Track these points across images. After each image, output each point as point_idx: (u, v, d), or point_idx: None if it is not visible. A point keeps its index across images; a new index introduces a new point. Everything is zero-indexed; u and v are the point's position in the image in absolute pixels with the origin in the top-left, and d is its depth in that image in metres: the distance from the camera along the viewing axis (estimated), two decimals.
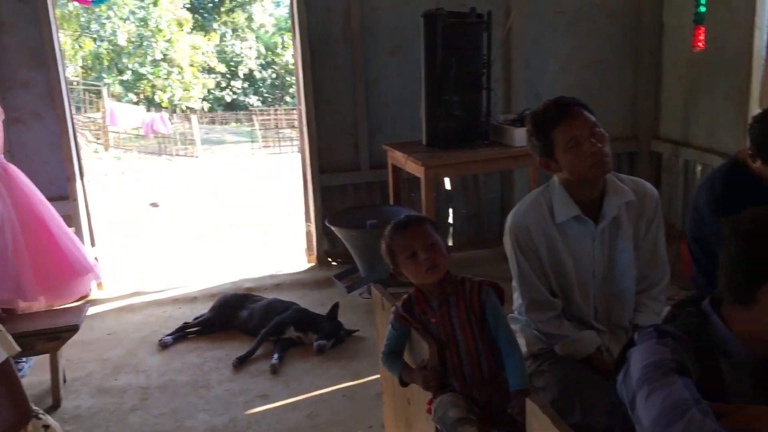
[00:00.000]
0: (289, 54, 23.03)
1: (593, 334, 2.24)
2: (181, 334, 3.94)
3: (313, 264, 4.98)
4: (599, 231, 2.22)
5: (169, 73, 22.39)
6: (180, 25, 22.49)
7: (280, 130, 19.97)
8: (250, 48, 25.37)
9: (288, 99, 24.95)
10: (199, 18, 24.42)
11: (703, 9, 3.96)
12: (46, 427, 2.13)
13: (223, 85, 25.13)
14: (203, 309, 4.20)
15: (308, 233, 5.01)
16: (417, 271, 1.98)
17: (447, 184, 5.06)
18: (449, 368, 2.01)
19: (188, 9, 23.55)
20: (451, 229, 5.13)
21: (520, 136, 4.00)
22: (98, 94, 19.59)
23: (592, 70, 5.11)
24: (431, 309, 2.03)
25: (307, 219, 4.99)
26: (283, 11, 24.85)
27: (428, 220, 2.10)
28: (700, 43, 3.99)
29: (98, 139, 17.79)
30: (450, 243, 5.03)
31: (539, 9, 4.89)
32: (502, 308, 2.05)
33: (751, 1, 4.12)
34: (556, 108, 2.16)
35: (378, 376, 2.64)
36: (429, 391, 1.99)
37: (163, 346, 3.83)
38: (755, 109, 4.03)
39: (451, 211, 5.12)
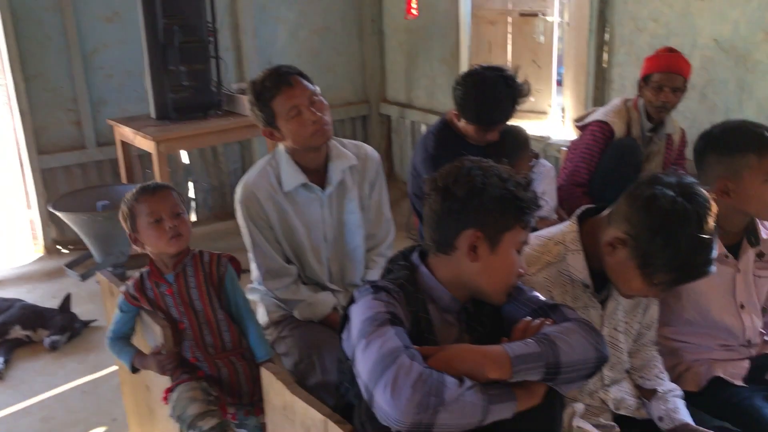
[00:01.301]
0: None
1: (329, 294, 2.33)
2: None
3: (41, 254, 4.55)
4: (326, 196, 2.29)
5: None
6: None
7: None
8: None
9: None
10: None
11: None
12: None
13: None
14: None
15: (31, 221, 4.55)
16: (159, 239, 1.91)
17: (184, 157, 4.89)
18: (190, 339, 1.97)
19: None
20: (193, 204, 4.99)
21: None
22: None
23: (321, 36, 5.22)
24: (166, 281, 1.97)
25: (28, 205, 4.52)
26: None
27: (174, 189, 2.03)
28: (413, 11, 4.25)
29: None
30: (193, 218, 4.89)
31: None
32: (238, 281, 2.06)
33: None
34: (275, 77, 2.16)
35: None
36: (165, 375, 1.94)
37: None
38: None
39: (191, 185, 4.97)
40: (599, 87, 3.88)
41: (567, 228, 1.73)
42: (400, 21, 5.00)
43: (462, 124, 2.68)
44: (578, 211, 1.77)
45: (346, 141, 2.42)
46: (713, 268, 1.57)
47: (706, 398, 1.96)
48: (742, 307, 2.00)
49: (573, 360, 1.40)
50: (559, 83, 4.43)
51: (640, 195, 1.58)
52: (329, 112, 2.22)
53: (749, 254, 2.00)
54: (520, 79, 2.60)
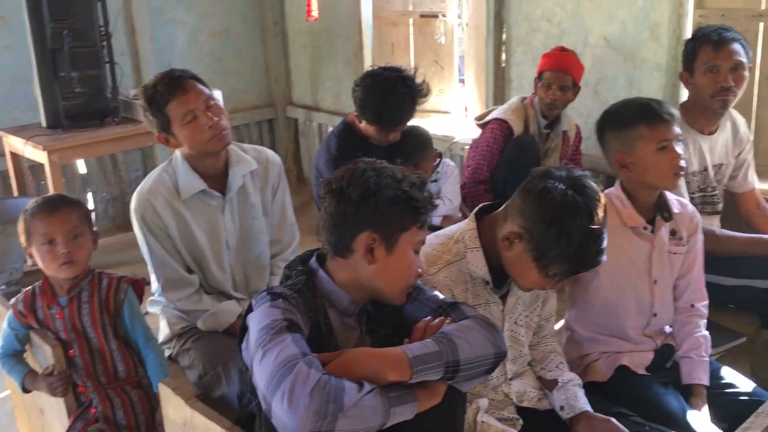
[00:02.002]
0: None
1: (233, 303, 2.27)
2: None
3: None
4: (227, 202, 2.24)
5: None
6: None
7: None
8: None
9: None
10: None
11: None
12: None
13: None
14: None
15: None
16: (51, 262, 1.82)
17: (82, 167, 4.68)
18: (80, 368, 1.88)
19: None
20: (93, 215, 4.78)
21: None
22: None
23: (222, 39, 5.11)
24: (58, 304, 1.87)
25: None
26: None
27: (81, 206, 1.92)
28: (314, 13, 4.23)
29: None
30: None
31: None
32: (139, 307, 1.99)
33: None
34: (167, 82, 2.10)
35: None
36: (56, 396, 1.84)
37: None
38: None
39: (90, 195, 4.76)
40: (499, 86, 3.97)
41: (466, 226, 1.76)
42: (303, 23, 4.96)
43: (363, 125, 2.68)
44: (476, 209, 1.79)
45: (246, 146, 2.38)
46: (604, 257, 1.63)
47: (612, 387, 2.03)
48: (655, 282, 2.07)
49: (472, 357, 1.41)
50: (463, 82, 4.51)
51: (532, 189, 1.61)
52: (227, 117, 2.18)
53: (664, 230, 2.05)
54: (419, 79, 2.62)
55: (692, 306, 2.12)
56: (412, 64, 4.50)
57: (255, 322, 1.40)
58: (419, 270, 1.54)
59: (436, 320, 1.49)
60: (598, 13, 3.43)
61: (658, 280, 2.06)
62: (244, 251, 2.32)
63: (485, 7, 3.84)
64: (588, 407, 1.79)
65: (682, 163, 1.94)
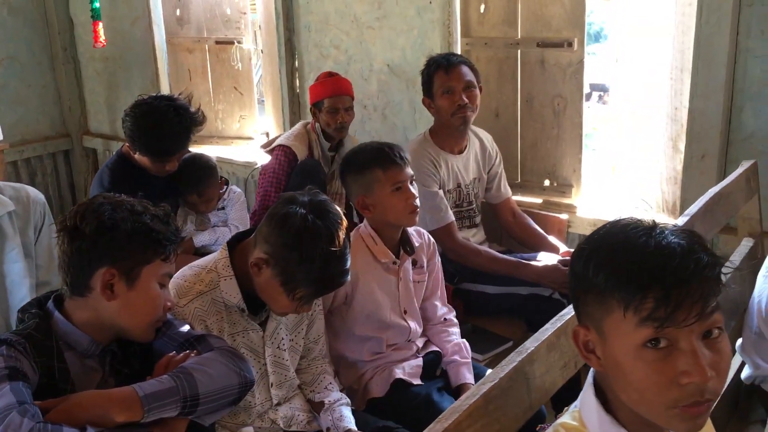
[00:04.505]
0: None
1: None
2: None
3: None
4: None
5: None
6: None
7: None
8: None
9: None
10: None
11: (96, 5, 4.04)
12: None
13: None
14: None
15: None
16: None
17: None
18: None
19: None
20: None
21: None
22: None
23: (5, 67, 4.77)
24: None
25: None
26: None
27: None
28: (101, 39, 4.07)
29: None
30: None
31: None
32: None
33: None
34: None
35: None
36: None
37: None
38: None
39: None
40: (295, 111, 4.02)
41: (219, 255, 1.76)
42: (96, 50, 4.75)
43: (138, 156, 2.61)
44: (230, 237, 1.80)
45: (1, 184, 2.22)
46: (348, 278, 1.69)
47: (390, 401, 2.10)
48: (405, 312, 2.18)
49: (213, 390, 1.41)
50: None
51: (275, 215, 1.65)
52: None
53: (407, 263, 2.19)
54: (193, 108, 2.59)
55: (445, 320, 2.28)
56: (211, 91, 4.48)
57: None
58: (168, 303, 1.52)
59: (180, 355, 1.47)
60: (380, 41, 3.58)
61: (407, 309, 2.19)
62: (2, 297, 2.15)
63: (276, 34, 3.89)
64: (351, 426, 1.84)
65: (417, 202, 2.08)
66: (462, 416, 1.07)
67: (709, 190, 2.06)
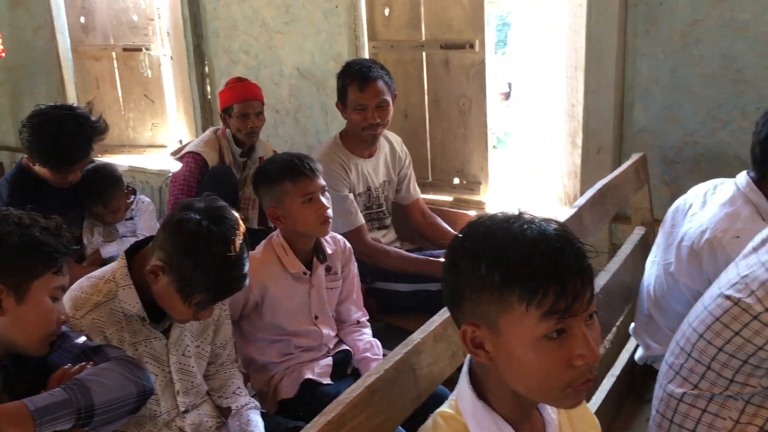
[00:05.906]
0: None
1: None
2: None
3: None
4: None
5: None
6: None
7: None
8: None
9: None
10: None
11: None
12: None
13: None
14: None
15: None
16: None
17: None
18: None
19: None
20: None
21: None
22: None
23: None
24: None
25: None
26: None
27: None
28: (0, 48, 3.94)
29: None
30: None
31: None
32: None
33: (47, 6, 4.25)
34: None
35: None
36: None
37: None
38: None
39: None
40: (207, 117, 3.99)
41: (117, 264, 1.74)
42: None
43: (38, 167, 2.54)
44: (129, 246, 1.78)
45: None
46: (246, 282, 1.70)
47: (300, 402, 2.11)
48: (316, 317, 2.21)
49: (109, 400, 1.40)
50: None
51: (170, 221, 1.65)
52: None
53: (320, 270, 2.21)
54: (94, 116, 2.55)
55: (358, 322, 2.32)
56: (121, 99, 4.40)
57: None
58: (62, 316, 1.50)
59: (75, 367, 1.45)
60: (289, 45, 3.60)
61: (319, 315, 2.22)
62: None
63: (184, 40, 3.85)
64: (261, 429, 1.85)
65: (329, 212, 2.11)
66: (346, 408, 1.10)
67: (597, 183, 2.17)
